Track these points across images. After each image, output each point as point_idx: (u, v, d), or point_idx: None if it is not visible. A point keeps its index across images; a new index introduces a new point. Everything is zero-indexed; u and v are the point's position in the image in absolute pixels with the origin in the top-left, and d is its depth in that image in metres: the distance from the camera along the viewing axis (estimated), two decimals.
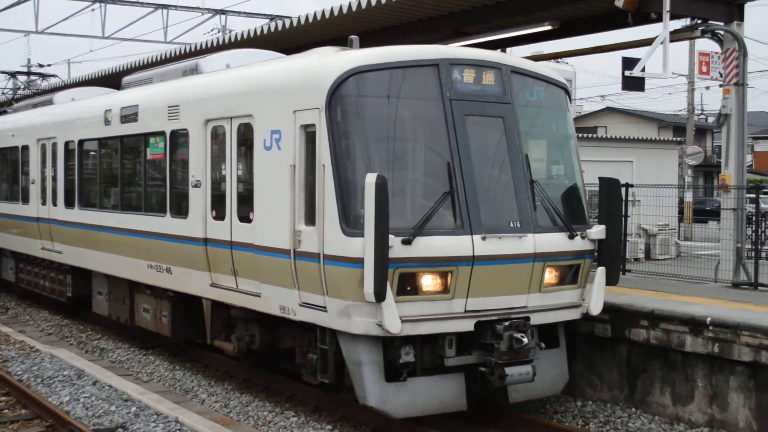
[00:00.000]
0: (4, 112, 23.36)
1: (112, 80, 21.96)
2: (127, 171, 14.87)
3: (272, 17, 30.65)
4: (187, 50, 18.69)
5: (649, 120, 59.81)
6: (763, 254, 14.50)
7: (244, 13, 33.58)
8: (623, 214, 10.69)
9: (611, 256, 10.56)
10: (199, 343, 13.60)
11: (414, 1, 14.22)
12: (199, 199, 12.02)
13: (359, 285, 8.98)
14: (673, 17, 12.59)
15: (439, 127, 9.60)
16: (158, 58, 20.00)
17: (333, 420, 10.71)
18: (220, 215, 11.62)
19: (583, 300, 10.51)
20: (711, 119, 53.80)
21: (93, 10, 29.09)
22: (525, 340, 9.47)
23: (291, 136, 10.02)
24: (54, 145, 17.37)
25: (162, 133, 13.14)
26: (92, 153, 16.04)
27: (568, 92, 10.99)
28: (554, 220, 10.16)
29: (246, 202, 11.04)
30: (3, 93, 33.42)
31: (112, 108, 14.92)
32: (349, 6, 14.91)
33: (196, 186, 12.09)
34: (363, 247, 8.88)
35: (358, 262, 8.96)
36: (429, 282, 9.31)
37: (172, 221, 12.80)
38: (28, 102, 21.98)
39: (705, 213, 31.88)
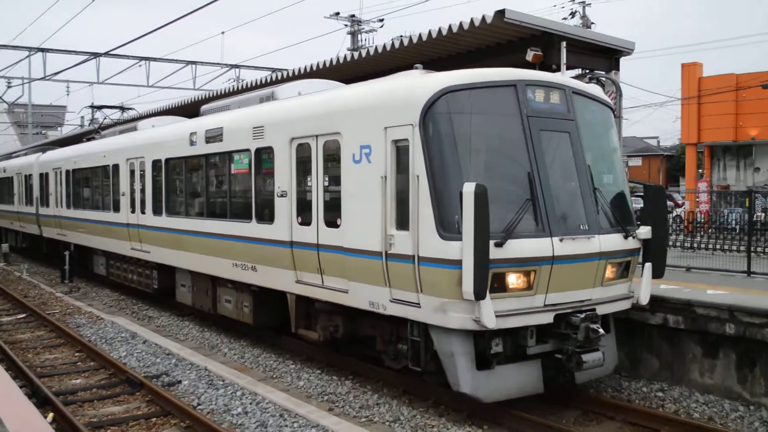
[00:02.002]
0: (93, 138, 21.77)
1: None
2: (212, 183, 13.36)
3: (273, 70, 32.13)
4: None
5: None
6: None
7: (253, 66, 35.04)
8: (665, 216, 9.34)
9: (657, 253, 9.23)
10: (275, 328, 12.23)
11: (368, 57, 13.58)
12: (285, 207, 10.54)
13: (456, 284, 7.57)
14: (568, 68, 12.80)
15: (520, 140, 8.19)
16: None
17: (321, 366, 11.05)
18: (305, 221, 10.15)
19: (632, 292, 9.20)
20: None
21: (140, 65, 30.24)
22: (601, 330, 8.15)
23: (381, 150, 8.58)
24: (141, 163, 15.83)
25: (247, 151, 11.63)
26: (177, 169, 14.48)
27: (613, 111, 9.67)
28: (611, 223, 8.79)
29: (333, 209, 9.58)
30: (90, 124, 32.44)
31: (197, 131, 13.41)
32: (352, 56, 14.11)
33: (281, 195, 10.62)
34: (460, 250, 7.49)
35: (456, 263, 7.55)
36: (515, 280, 7.90)
37: (258, 226, 11.30)
38: (113, 129, 20.35)
39: None
